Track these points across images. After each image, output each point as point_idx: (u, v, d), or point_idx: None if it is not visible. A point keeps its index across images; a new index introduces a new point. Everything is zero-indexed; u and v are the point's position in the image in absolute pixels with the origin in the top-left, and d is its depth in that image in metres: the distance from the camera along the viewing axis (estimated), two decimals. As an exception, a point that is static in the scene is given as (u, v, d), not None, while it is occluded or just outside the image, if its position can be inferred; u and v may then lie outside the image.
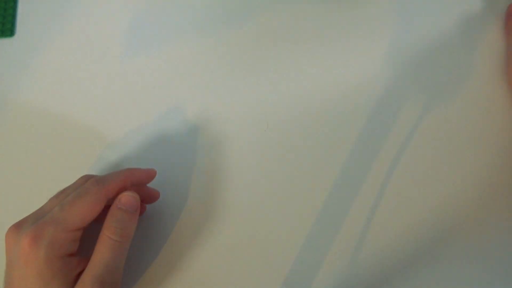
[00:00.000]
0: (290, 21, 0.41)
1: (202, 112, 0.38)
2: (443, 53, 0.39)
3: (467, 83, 0.38)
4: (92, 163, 0.38)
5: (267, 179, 0.36)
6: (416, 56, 0.39)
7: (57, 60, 0.40)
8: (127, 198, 0.31)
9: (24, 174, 0.38)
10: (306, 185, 0.36)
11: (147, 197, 0.35)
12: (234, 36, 0.40)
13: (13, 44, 0.42)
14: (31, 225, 0.29)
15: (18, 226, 0.30)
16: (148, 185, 0.35)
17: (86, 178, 0.33)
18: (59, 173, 0.37)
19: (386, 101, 0.38)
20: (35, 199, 0.34)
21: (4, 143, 0.39)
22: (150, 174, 0.34)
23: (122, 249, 0.30)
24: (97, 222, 0.31)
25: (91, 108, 0.39)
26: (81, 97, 0.39)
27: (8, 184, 0.38)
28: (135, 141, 0.38)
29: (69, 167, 0.38)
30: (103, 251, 0.30)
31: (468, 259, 0.34)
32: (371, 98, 0.38)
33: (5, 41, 0.42)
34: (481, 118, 0.37)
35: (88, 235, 0.32)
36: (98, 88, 0.39)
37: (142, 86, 0.39)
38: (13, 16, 0.42)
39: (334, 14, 0.41)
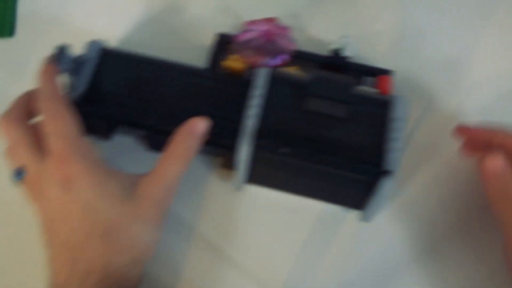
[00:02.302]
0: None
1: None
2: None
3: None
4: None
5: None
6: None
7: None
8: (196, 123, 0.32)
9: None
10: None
11: None
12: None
13: (13, 44, 0.42)
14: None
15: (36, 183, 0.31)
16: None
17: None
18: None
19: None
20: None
21: (4, 143, 0.39)
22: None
23: (187, 165, 0.32)
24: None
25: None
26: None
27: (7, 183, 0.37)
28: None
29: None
30: (174, 163, 0.31)
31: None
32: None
33: (5, 41, 0.42)
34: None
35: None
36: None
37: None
38: (13, 16, 0.42)
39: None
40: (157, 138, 0.35)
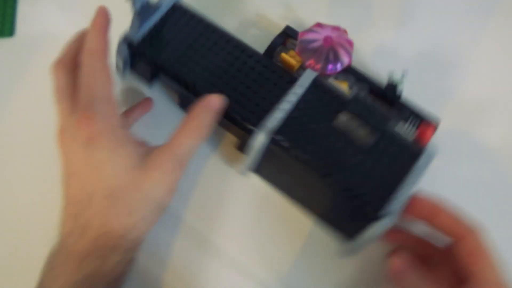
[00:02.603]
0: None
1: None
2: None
3: None
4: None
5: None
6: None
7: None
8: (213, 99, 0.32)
9: (24, 171, 0.37)
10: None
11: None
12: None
13: (13, 44, 0.41)
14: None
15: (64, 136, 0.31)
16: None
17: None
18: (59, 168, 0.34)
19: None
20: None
21: (4, 143, 0.38)
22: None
23: (201, 140, 0.32)
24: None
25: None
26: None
27: (8, 182, 0.37)
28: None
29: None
30: (189, 136, 0.31)
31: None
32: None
33: (5, 41, 0.41)
34: None
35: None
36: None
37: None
38: (13, 16, 0.42)
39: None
40: (189, 98, 0.35)
